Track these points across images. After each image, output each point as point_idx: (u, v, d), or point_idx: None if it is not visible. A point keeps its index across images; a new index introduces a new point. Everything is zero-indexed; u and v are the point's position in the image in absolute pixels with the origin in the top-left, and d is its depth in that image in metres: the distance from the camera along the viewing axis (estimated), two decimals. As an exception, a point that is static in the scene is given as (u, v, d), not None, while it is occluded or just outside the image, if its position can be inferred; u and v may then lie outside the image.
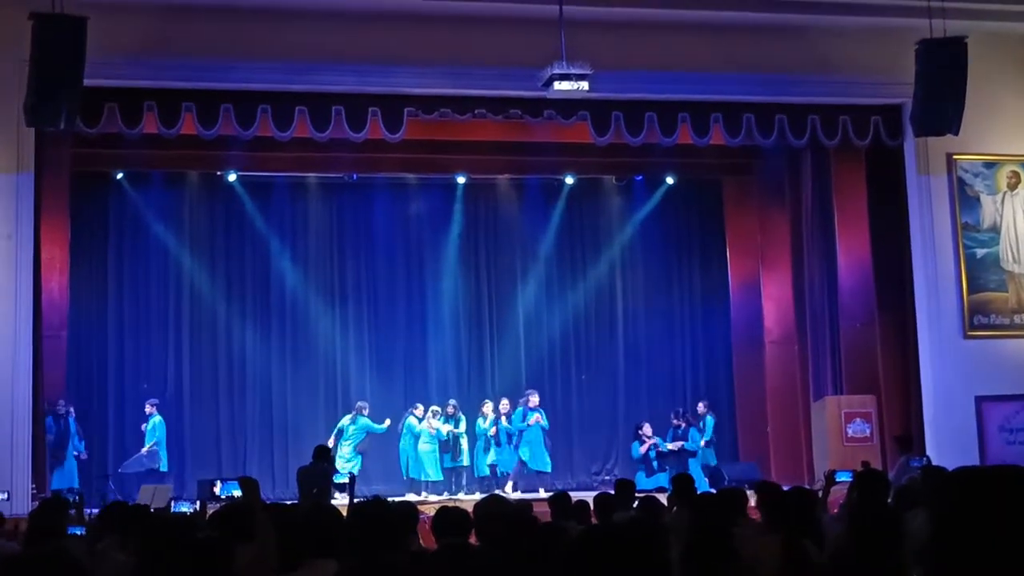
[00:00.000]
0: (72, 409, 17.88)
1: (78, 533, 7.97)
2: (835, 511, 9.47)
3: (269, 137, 16.61)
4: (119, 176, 19.77)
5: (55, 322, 17.00)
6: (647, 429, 19.72)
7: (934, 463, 13.62)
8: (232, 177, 20.07)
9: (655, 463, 19.54)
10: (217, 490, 16.20)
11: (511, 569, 4.55)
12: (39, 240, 16.12)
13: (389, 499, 6.47)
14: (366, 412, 19.13)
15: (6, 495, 13.67)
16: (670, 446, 19.54)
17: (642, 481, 18.84)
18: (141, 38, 15.71)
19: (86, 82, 13.81)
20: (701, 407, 19.97)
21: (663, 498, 9.99)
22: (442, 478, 19.01)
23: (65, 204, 17.30)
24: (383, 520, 5.11)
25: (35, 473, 15.54)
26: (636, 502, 9.49)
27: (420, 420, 19.12)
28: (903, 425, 17.88)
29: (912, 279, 17.83)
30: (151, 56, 15.66)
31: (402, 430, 19.12)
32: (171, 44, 15.80)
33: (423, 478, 18.91)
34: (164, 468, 18.44)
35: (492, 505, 6.07)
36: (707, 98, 17.28)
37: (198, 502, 12.24)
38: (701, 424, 19.74)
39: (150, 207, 20.07)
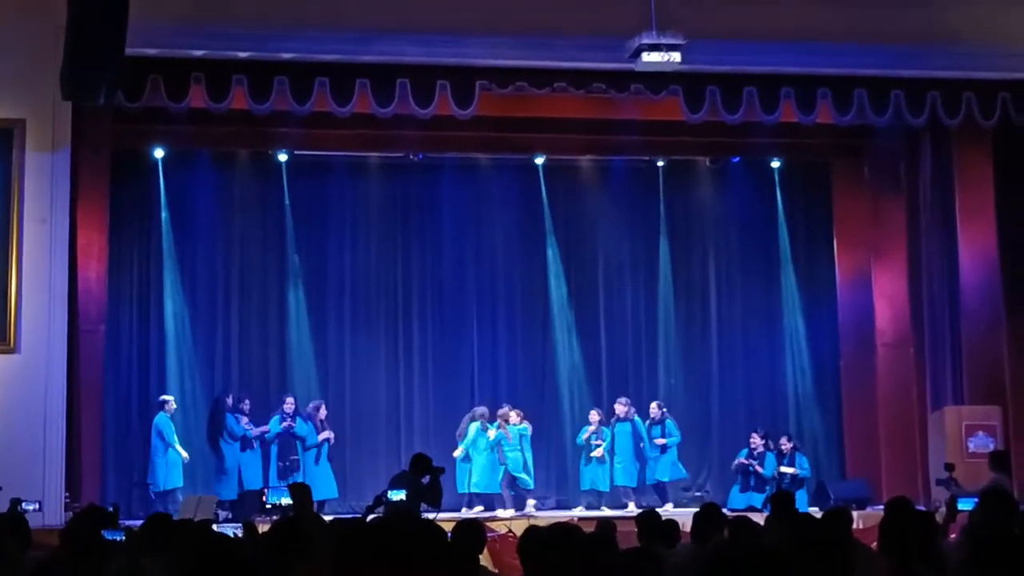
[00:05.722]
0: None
1: (118, 540, 8.10)
2: (953, 536, 9.40)
3: (327, 113, 16.72)
4: (162, 155, 19.85)
5: (93, 315, 17.18)
6: (757, 440, 19.62)
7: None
8: (284, 156, 20.15)
9: (752, 479, 19.46)
10: (265, 499, 16.43)
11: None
12: (75, 225, 16.33)
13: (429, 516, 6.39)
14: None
15: (37, 505, 13.80)
16: (784, 469, 19.42)
17: (735, 498, 18.88)
18: (188, 3, 15.86)
19: (128, 51, 13.94)
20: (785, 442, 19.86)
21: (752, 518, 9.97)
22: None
23: (104, 185, 17.46)
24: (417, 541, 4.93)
25: (69, 481, 15.76)
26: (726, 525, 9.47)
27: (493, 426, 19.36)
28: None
29: (1044, 276, 17.66)
30: (199, 23, 15.79)
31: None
32: (221, 10, 15.92)
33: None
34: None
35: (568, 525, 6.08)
36: (813, 71, 17.17)
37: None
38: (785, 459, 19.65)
39: (196, 189, 20.15)
